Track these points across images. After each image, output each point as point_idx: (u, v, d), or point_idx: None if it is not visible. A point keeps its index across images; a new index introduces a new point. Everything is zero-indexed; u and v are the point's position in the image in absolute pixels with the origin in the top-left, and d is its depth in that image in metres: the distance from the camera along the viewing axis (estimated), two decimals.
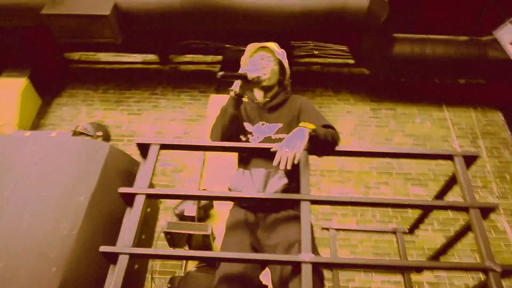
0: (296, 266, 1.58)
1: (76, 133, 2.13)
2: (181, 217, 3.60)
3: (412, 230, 2.40)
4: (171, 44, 5.51)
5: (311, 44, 5.40)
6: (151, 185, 2.28)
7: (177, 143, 1.86)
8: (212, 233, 3.45)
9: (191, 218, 3.56)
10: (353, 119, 5.00)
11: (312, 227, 1.81)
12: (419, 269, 2.32)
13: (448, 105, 5.12)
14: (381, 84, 5.25)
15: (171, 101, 5.30)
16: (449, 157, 1.82)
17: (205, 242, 3.49)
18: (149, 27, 4.17)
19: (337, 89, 5.33)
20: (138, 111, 5.21)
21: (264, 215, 1.80)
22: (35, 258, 1.58)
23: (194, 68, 5.66)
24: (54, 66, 5.48)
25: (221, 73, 1.78)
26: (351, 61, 5.35)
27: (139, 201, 1.64)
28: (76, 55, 5.75)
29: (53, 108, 5.28)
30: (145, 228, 2.29)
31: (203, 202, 3.57)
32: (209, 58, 5.66)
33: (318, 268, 1.61)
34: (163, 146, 1.85)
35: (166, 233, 3.43)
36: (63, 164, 1.83)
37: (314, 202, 1.65)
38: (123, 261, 1.48)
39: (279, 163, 1.59)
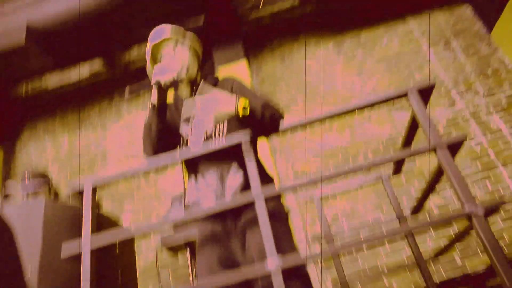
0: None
1: (5, 197, 1.94)
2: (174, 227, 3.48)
3: (396, 172, 2.24)
4: (112, 43, 5.16)
5: None
6: (101, 225, 2.12)
7: (111, 177, 1.66)
8: None
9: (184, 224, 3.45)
10: (318, 61, 4.72)
11: (286, 217, 1.66)
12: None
13: (411, 15, 4.80)
14: (338, 14, 4.91)
15: (131, 104, 5.04)
16: (404, 95, 1.62)
17: None
18: (74, 35, 3.82)
19: (294, 35, 5.00)
20: (102, 125, 4.97)
21: (233, 220, 1.64)
22: None
23: (145, 57, 5.32)
24: (2, 108, 5.18)
25: (127, 91, 1.55)
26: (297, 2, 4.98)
27: (86, 257, 1.50)
28: (21, 89, 5.42)
29: (17, 151, 5.06)
30: (123, 267, 2.17)
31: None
32: None
33: (296, 269, 1.47)
34: (96, 185, 1.68)
35: (164, 248, 3.34)
36: None
37: (268, 198, 1.49)
38: None
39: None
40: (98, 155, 4.74)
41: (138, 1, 3.66)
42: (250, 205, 1.62)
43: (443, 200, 3.59)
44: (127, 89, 1.54)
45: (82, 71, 5.39)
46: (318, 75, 4.63)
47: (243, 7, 5.09)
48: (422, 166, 3.80)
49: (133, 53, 5.38)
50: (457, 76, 4.27)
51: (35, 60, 3.65)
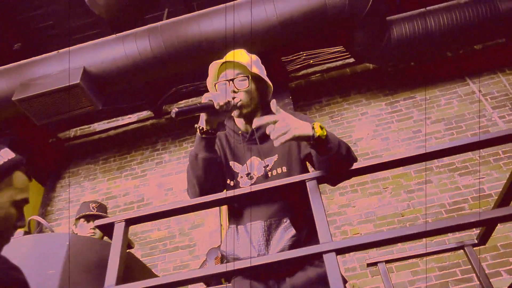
0: None
1: (29, 229, 1.75)
2: None
3: (483, 241, 1.84)
4: (160, 95, 5.25)
5: (304, 55, 5.00)
6: (128, 268, 1.84)
7: (146, 214, 1.42)
8: None
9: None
10: (371, 121, 4.47)
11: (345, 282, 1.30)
12: None
13: (471, 77, 4.54)
14: (390, 75, 4.75)
15: (174, 154, 4.95)
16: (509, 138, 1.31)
17: None
18: (126, 84, 3.87)
19: (344, 93, 4.85)
20: (142, 172, 4.87)
21: (275, 282, 1.31)
22: None
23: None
24: (50, 149, 5.27)
25: (175, 110, 1.30)
26: (351, 60, 4.89)
27: None
28: (70, 132, 5.55)
29: (57, 192, 5.02)
30: None
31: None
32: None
33: None
34: (130, 222, 1.44)
35: None
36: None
37: (340, 251, 1.17)
38: None
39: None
40: (134, 202, 4.58)
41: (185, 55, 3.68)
42: (296, 266, 1.30)
43: None
44: (174, 109, 1.29)
45: (130, 119, 5.47)
46: (368, 134, 4.36)
47: (292, 64, 5.07)
48: (495, 238, 3.26)
49: (179, 105, 5.42)
50: None
51: (86, 102, 3.68)
